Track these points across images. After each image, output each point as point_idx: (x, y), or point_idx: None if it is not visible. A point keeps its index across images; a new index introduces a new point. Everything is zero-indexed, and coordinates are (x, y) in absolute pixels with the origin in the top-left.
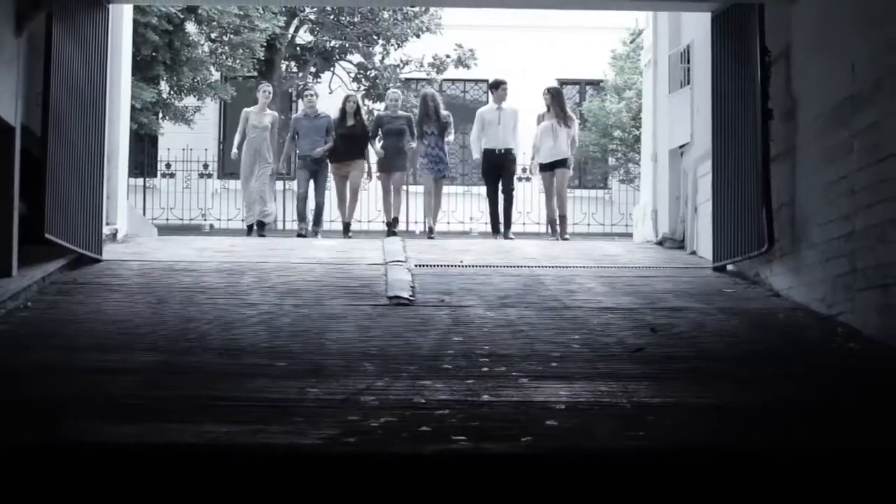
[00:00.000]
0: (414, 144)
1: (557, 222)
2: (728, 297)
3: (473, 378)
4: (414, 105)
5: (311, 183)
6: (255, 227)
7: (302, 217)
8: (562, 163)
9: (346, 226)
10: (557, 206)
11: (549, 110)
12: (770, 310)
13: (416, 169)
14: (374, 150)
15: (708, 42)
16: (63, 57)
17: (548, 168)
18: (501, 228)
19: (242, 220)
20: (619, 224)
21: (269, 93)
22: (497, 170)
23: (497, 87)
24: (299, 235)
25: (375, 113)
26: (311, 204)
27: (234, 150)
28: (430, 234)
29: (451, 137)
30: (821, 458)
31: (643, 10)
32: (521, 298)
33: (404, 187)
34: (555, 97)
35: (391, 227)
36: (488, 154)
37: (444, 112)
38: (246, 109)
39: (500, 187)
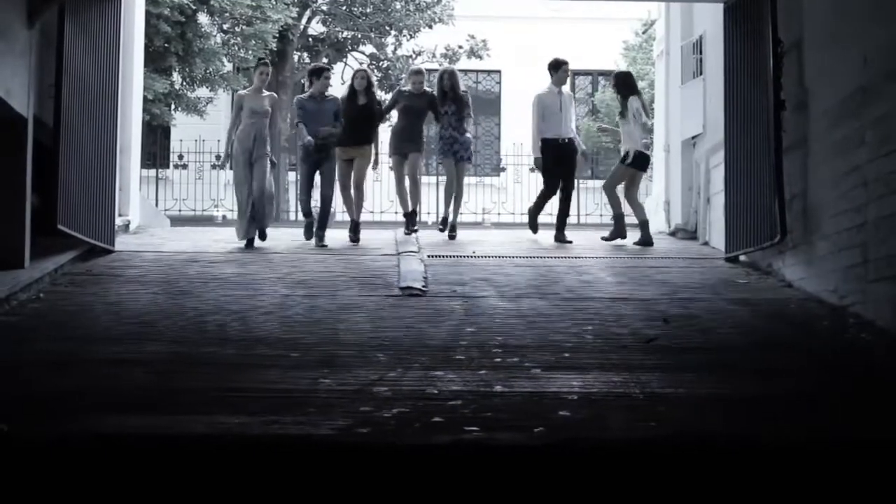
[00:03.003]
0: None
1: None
2: (740, 287)
3: (486, 369)
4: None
5: (317, 175)
6: (253, 239)
7: (307, 213)
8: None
9: (354, 225)
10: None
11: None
12: (782, 300)
13: (435, 157)
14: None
15: (720, 33)
16: (75, 48)
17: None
18: (541, 230)
19: (240, 237)
20: (632, 215)
21: (268, 73)
22: (560, 162)
23: (558, 67)
24: (306, 234)
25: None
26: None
27: (230, 146)
28: (450, 231)
29: (469, 125)
30: (831, 449)
31: (655, 0)
32: (534, 289)
33: (422, 175)
34: (617, 82)
35: (409, 222)
36: (550, 144)
37: (462, 90)
38: (240, 93)
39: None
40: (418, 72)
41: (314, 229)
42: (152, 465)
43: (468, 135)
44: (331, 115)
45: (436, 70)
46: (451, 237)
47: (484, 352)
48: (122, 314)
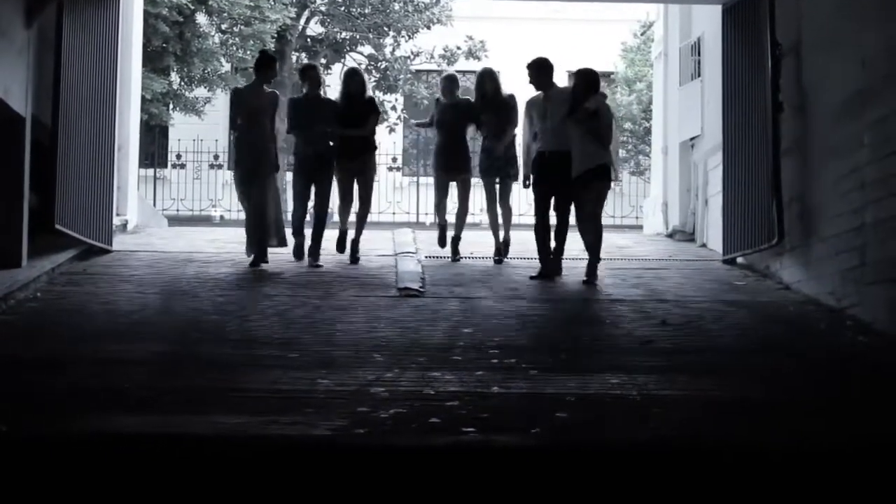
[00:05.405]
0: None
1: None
2: (738, 289)
3: (483, 370)
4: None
5: (312, 189)
6: (262, 257)
7: (298, 231)
8: (600, 172)
9: (342, 236)
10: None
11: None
12: (780, 303)
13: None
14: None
15: (719, 35)
16: (73, 48)
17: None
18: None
19: (247, 252)
20: (630, 216)
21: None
22: (551, 180)
23: (529, 68)
24: (296, 254)
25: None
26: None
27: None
28: (498, 254)
29: (510, 133)
30: (830, 451)
31: (654, 2)
32: (531, 290)
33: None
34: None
35: (453, 249)
36: (540, 158)
37: (506, 94)
38: (238, 89)
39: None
40: (449, 79)
41: (308, 248)
42: (150, 465)
43: (513, 148)
44: (326, 117)
45: (434, 71)
46: (497, 260)
47: (481, 353)
48: (119, 314)
